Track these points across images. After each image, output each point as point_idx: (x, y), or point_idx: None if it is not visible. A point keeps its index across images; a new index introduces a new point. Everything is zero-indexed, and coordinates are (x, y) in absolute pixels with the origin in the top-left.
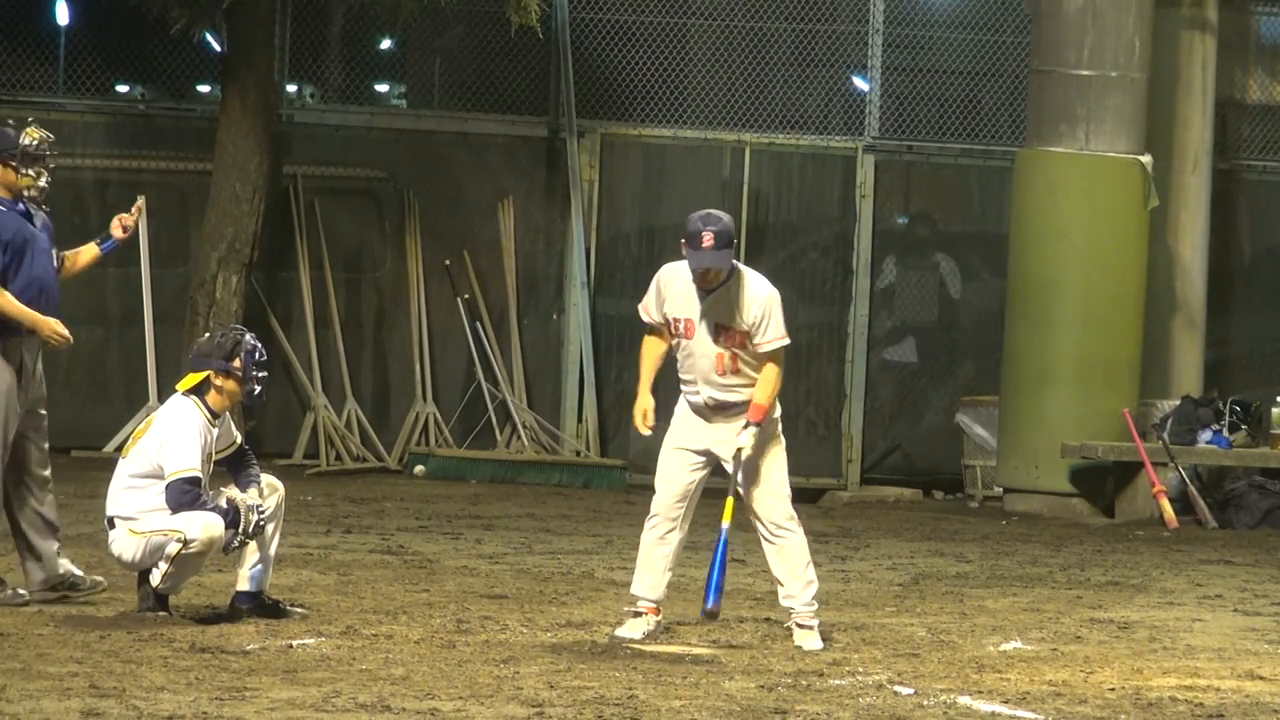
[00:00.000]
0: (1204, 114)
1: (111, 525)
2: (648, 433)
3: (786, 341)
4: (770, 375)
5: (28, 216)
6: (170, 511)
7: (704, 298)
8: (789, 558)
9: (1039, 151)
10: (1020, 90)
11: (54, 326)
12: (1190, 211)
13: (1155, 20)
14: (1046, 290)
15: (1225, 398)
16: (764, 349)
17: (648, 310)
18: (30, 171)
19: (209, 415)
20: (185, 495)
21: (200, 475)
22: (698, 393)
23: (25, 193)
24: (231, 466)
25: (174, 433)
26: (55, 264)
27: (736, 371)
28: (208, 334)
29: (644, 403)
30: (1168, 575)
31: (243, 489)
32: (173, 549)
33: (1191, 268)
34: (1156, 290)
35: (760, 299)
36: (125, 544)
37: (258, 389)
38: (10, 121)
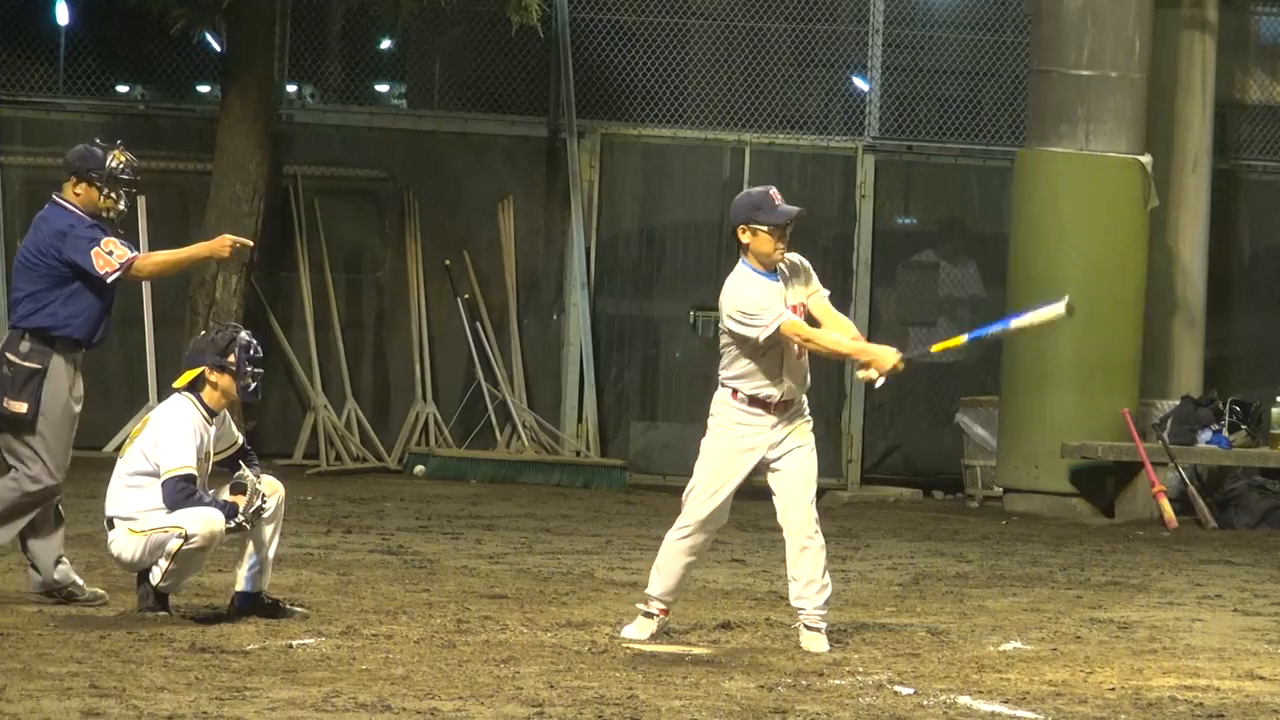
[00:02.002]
0: (1204, 114)
1: (111, 526)
2: None
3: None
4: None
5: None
6: (167, 510)
7: (779, 283)
8: (809, 561)
9: (1039, 151)
10: (1020, 90)
11: (224, 242)
12: (1190, 211)
13: (1155, 20)
14: (1046, 290)
15: (1225, 398)
16: (825, 292)
17: (771, 312)
18: (113, 194)
19: (205, 413)
20: (181, 493)
21: (195, 473)
22: (781, 382)
23: (104, 214)
24: (233, 468)
25: (169, 431)
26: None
27: (802, 355)
28: (204, 331)
29: None
30: (1168, 575)
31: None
32: (174, 545)
33: (1191, 268)
34: (1156, 290)
35: (799, 258)
36: (125, 543)
37: (253, 385)
38: (98, 141)
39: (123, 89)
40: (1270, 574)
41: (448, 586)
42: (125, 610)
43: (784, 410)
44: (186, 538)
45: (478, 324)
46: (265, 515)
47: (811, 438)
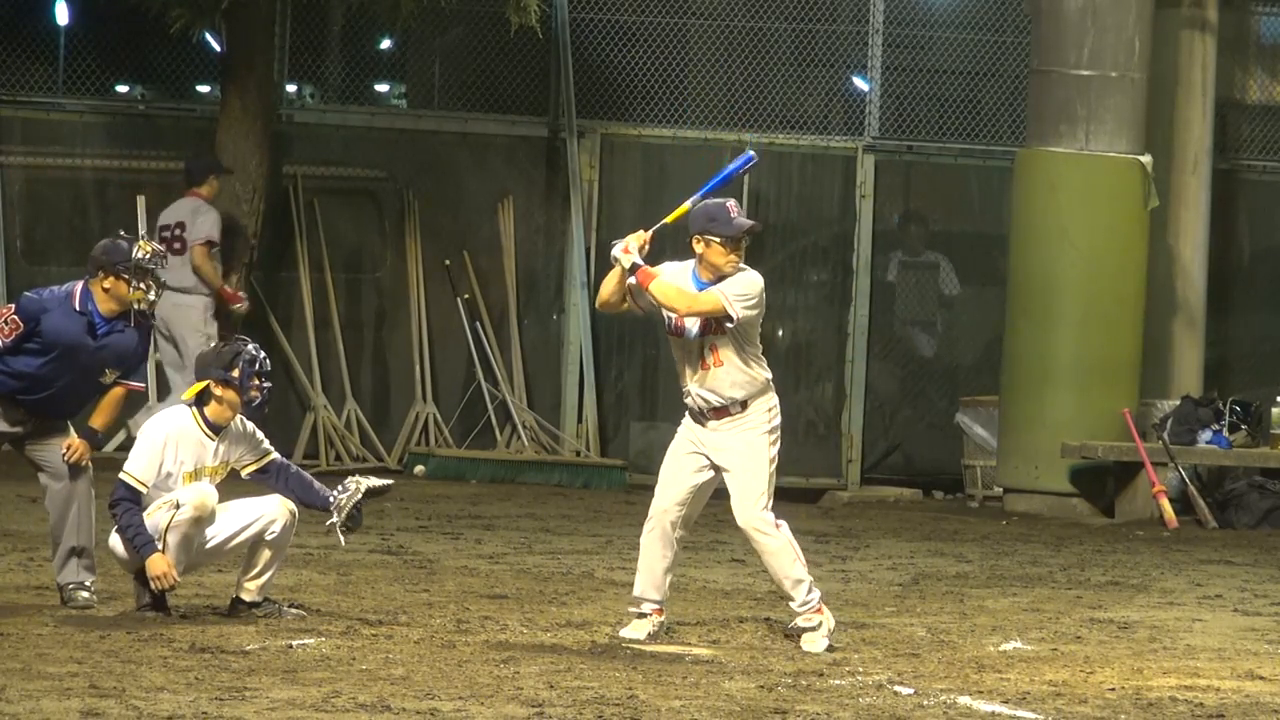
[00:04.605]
0: (1204, 114)
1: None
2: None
3: (727, 309)
4: (691, 296)
5: (92, 326)
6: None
7: (700, 288)
8: (770, 563)
9: (1039, 151)
10: (1020, 90)
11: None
12: (1190, 211)
13: (1155, 20)
14: (1046, 290)
15: (1225, 398)
16: (712, 290)
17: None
18: (142, 284)
19: (205, 427)
20: (114, 494)
21: (139, 486)
22: (689, 394)
23: (135, 305)
24: (277, 482)
25: (142, 437)
26: (99, 379)
27: (721, 364)
28: (214, 344)
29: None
30: (1168, 575)
31: (316, 503)
32: (164, 519)
33: (1191, 268)
34: (1156, 290)
35: (745, 275)
36: (118, 539)
37: (258, 399)
38: (122, 233)
39: (122, 89)
40: (1270, 574)
41: (448, 586)
42: (125, 610)
43: (718, 416)
44: (177, 506)
45: (478, 324)
46: (360, 495)
47: (752, 442)
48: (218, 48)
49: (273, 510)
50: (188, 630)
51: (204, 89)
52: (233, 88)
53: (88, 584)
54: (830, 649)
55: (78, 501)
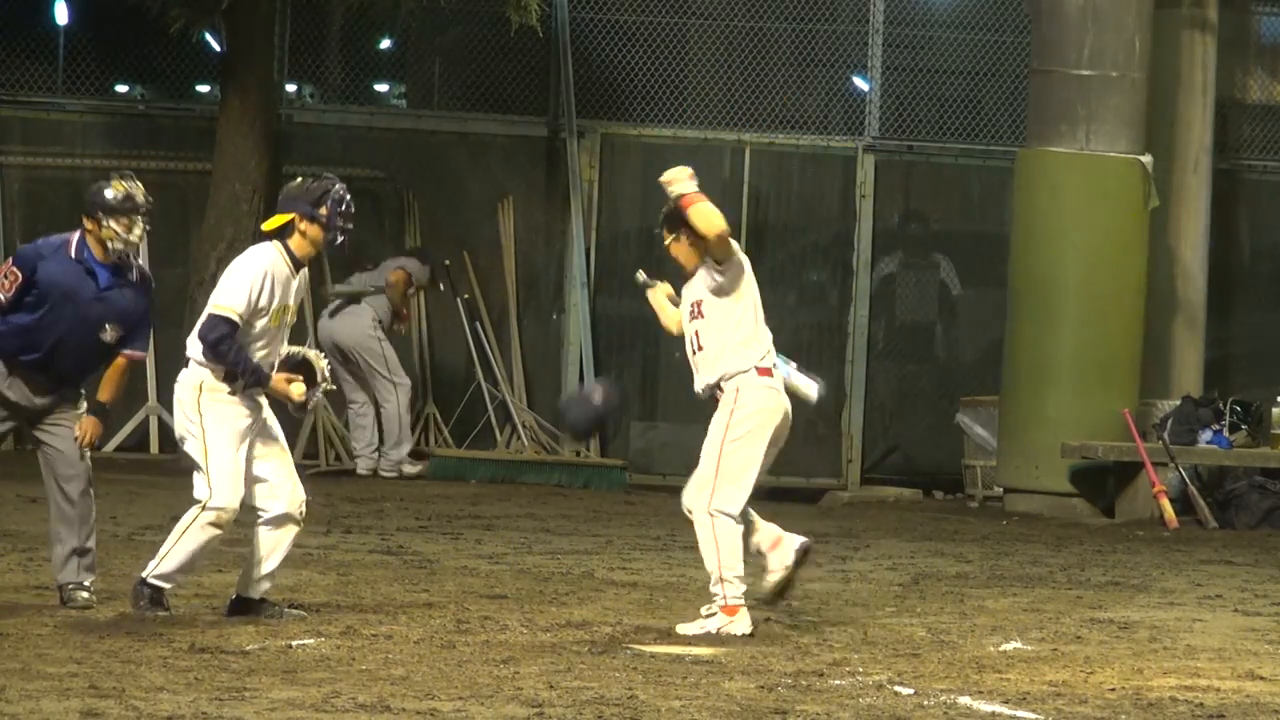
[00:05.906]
0: (1204, 114)
1: (186, 365)
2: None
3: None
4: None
5: (92, 275)
6: (198, 338)
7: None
8: (700, 547)
9: (1039, 151)
10: (1020, 90)
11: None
12: (1190, 211)
13: (1155, 20)
14: (1047, 290)
15: (1225, 398)
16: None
17: None
18: (112, 224)
19: (290, 261)
20: (213, 332)
21: (238, 320)
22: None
23: (109, 244)
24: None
25: (235, 271)
26: (100, 335)
27: (701, 349)
28: (299, 178)
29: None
30: (1168, 575)
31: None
32: (191, 514)
33: (1192, 267)
34: (1156, 290)
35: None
36: (186, 396)
37: (341, 237)
38: (112, 174)
39: (122, 89)
40: (1271, 574)
41: (448, 586)
42: (125, 610)
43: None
44: (204, 507)
45: (478, 324)
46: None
47: (717, 422)
48: (218, 48)
49: (297, 491)
50: (187, 630)
51: (204, 89)
52: (233, 88)
53: (87, 584)
54: (704, 637)
55: (78, 501)
